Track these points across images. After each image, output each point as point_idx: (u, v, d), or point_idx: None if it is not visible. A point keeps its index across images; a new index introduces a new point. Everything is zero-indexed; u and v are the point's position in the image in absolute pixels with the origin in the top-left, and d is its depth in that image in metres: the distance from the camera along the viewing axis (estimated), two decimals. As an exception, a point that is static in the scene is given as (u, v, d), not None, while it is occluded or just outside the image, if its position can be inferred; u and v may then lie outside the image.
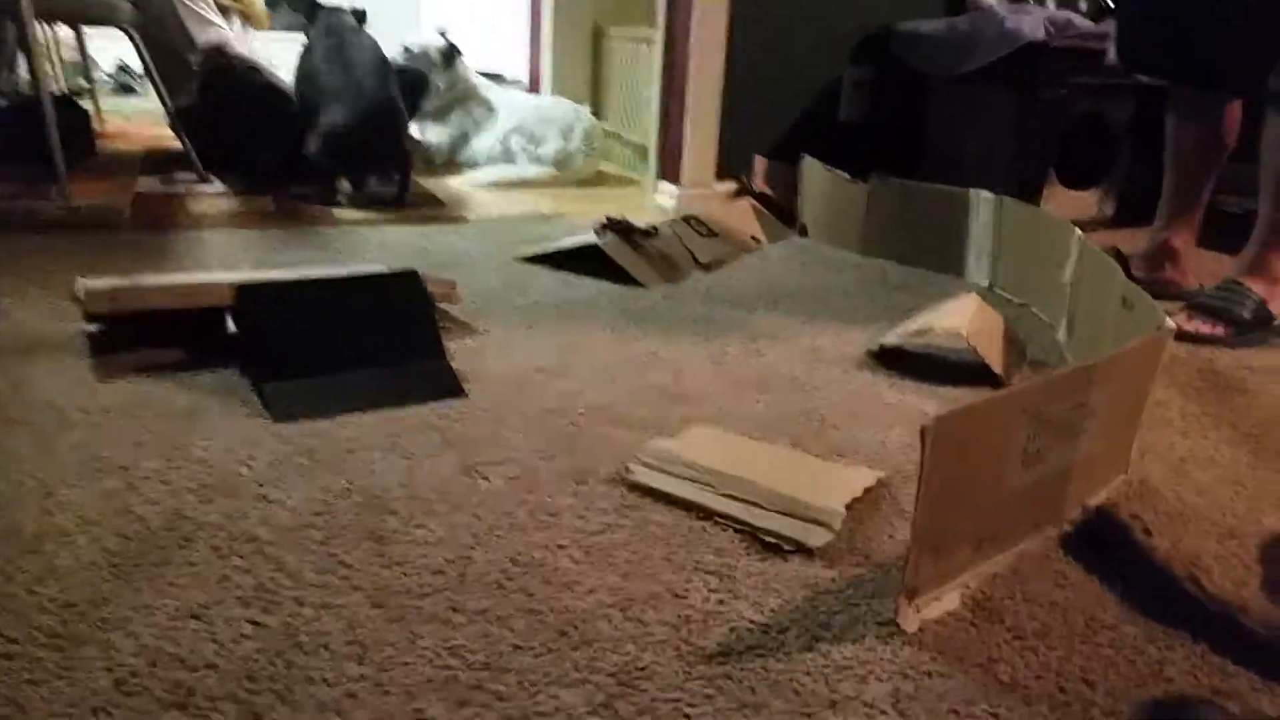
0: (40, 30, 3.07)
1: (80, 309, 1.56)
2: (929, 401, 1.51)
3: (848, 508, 1.12)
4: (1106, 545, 1.06)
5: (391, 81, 2.78)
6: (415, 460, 1.24)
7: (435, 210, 2.79)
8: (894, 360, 1.67)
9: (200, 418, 1.33)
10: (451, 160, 3.52)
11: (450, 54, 3.46)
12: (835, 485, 1.17)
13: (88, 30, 4.08)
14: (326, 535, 1.06)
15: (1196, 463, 1.34)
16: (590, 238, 2.18)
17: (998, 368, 1.57)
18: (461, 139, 3.50)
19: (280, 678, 0.83)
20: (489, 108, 3.47)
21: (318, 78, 2.78)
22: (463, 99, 3.49)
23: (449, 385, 1.48)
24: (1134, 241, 2.27)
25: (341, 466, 1.21)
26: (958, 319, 1.62)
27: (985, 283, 2.21)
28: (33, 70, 2.65)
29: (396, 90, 2.77)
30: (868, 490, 1.18)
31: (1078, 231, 1.80)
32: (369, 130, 2.68)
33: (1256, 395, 1.61)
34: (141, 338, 1.57)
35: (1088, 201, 2.81)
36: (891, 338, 1.69)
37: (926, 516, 0.93)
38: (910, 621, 0.94)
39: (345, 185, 2.85)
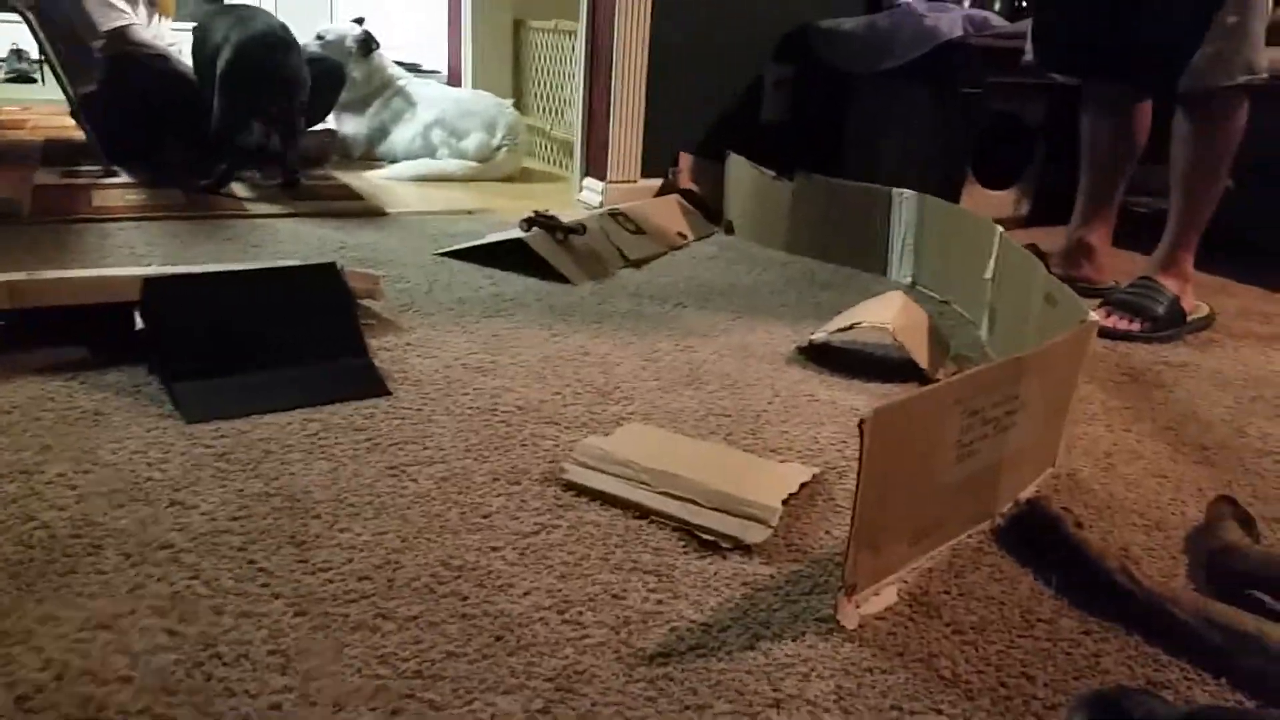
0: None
1: (-27, 305, 1.47)
2: (858, 397, 1.51)
3: (784, 504, 1.11)
4: (1039, 538, 1.07)
5: (290, 34, 2.69)
6: (338, 462, 1.20)
7: (353, 204, 2.71)
8: (823, 356, 1.67)
9: (108, 419, 1.26)
10: (369, 153, 3.43)
11: (367, 43, 3.38)
12: (771, 482, 1.16)
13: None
14: (245, 541, 1.01)
15: (1121, 456, 1.36)
16: (515, 233, 2.15)
17: (924, 363, 1.58)
18: (379, 132, 3.43)
19: (199, 690, 0.79)
20: (408, 100, 3.40)
21: (211, 36, 2.69)
22: (380, 90, 3.41)
23: (372, 384, 1.43)
24: (1050, 240, 2.32)
25: (259, 469, 1.16)
26: (884, 315, 1.64)
27: (908, 280, 2.24)
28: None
29: (292, 35, 2.70)
30: (803, 486, 1.18)
31: (999, 229, 1.83)
32: (261, 52, 2.59)
33: (1172, 389, 1.65)
34: (42, 336, 1.48)
35: (1004, 201, 2.87)
36: (820, 334, 1.69)
37: (866, 511, 0.92)
38: (850, 618, 0.94)
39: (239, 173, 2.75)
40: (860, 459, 0.89)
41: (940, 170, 2.68)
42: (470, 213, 2.72)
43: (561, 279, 2.06)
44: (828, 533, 1.10)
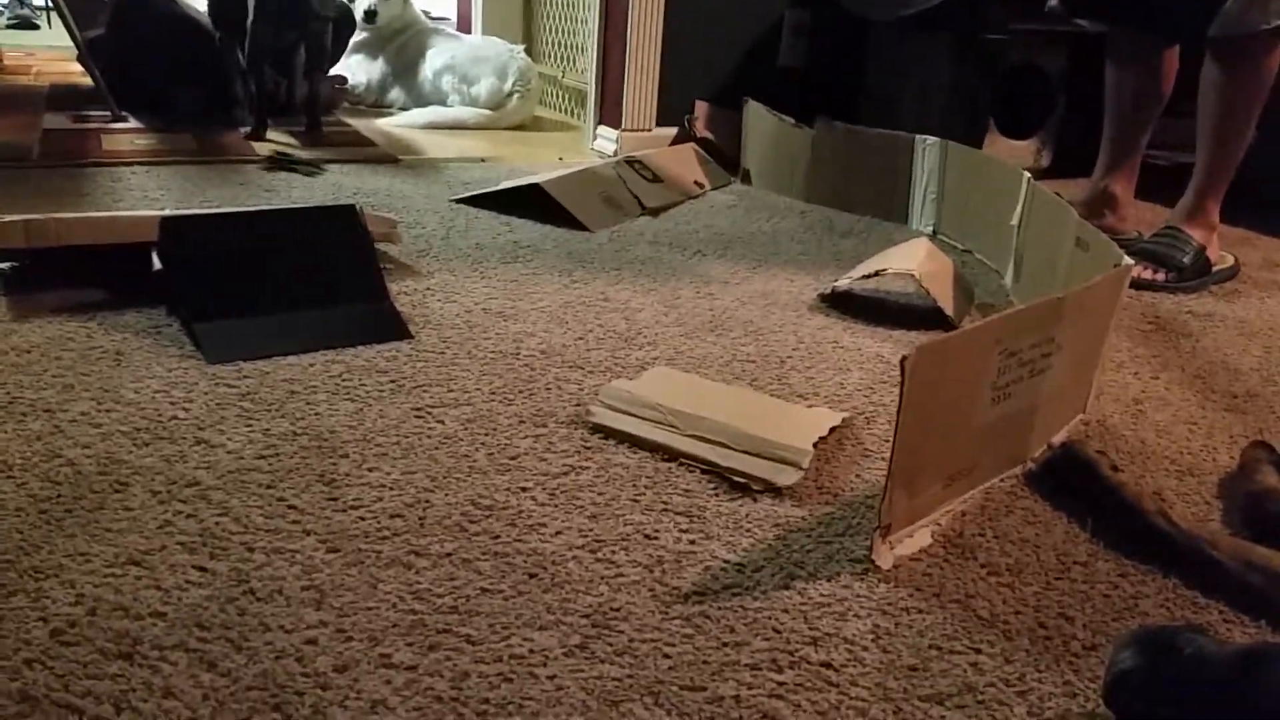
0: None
1: (-10, 245, 1.45)
2: (883, 344, 1.50)
3: (814, 447, 1.10)
4: (1075, 481, 1.06)
5: None
6: (363, 403, 1.18)
7: (366, 150, 2.68)
8: (845, 304, 1.65)
9: (128, 359, 1.25)
10: (380, 100, 3.39)
11: None
12: (800, 425, 1.15)
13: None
14: (273, 479, 1.00)
15: (1151, 403, 1.35)
16: (532, 179, 2.12)
17: (949, 310, 1.56)
18: (390, 78, 3.38)
19: (233, 625, 0.78)
20: (422, 46, 3.34)
21: None
22: (397, 34, 3.34)
23: (394, 327, 1.41)
24: (1071, 191, 2.29)
25: (284, 409, 1.15)
26: (909, 262, 1.61)
27: (930, 228, 2.21)
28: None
29: None
30: (832, 430, 1.17)
31: (1026, 175, 1.80)
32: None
33: (1199, 339, 1.63)
34: (59, 276, 1.47)
35: (1025, 151, 2.83)
36: (843, 281, 1.67)
37: (903, 451, 0.91)
38: (885, 558, 0.93)
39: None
40: (900, 398, 0.87)
41: (961, 119, 2.64)
42: (484, 160, 2.69)
43: (578, 225, 2.04)
44: (858, 476, 1.09)
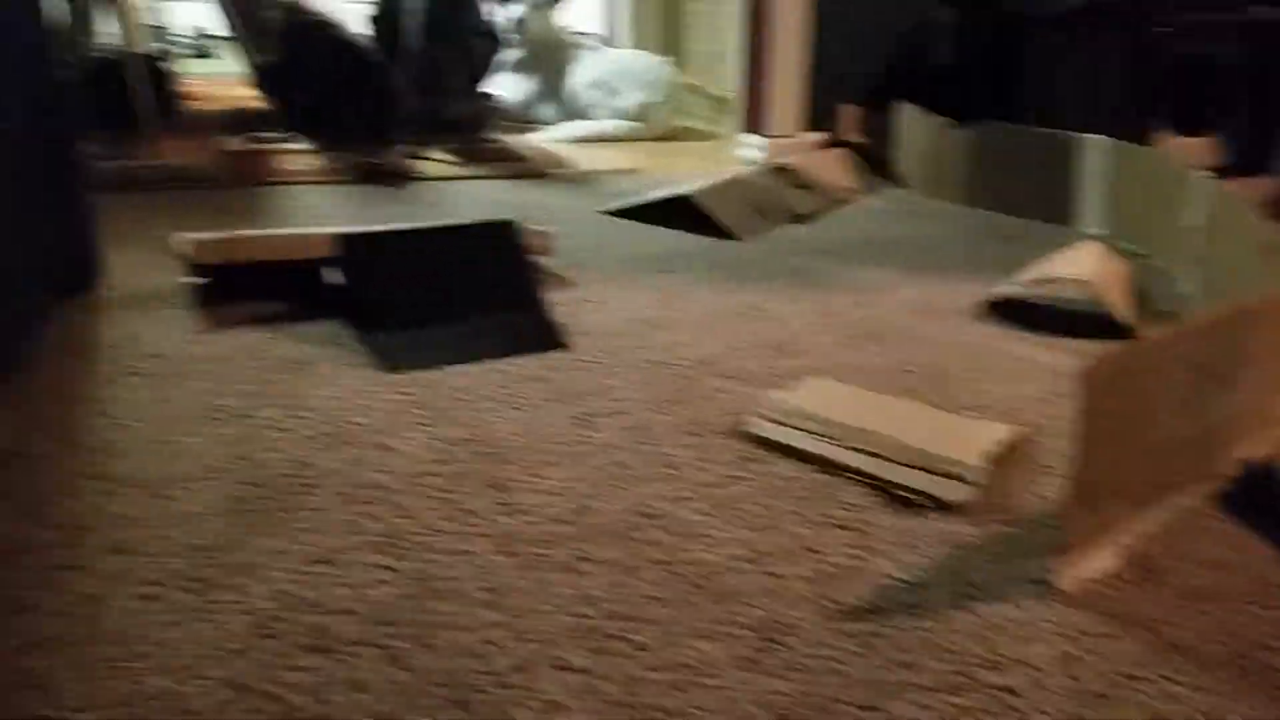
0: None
1: (183, 262, 1.56)
2: (1055, 354, 1.44)
3: (986, 463, 1.07)
4: (1271, 501, 0.99)
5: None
6: (527, 411, 1.22)
7: (517, 165, 2.75)
8: (1012, 312, 1.59)
9: (311, 368, 1.32)
10: (528, 116, 3.48)
11: None
12: (971, 439, 1.11)
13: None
14: (448, 483, 1.04)
15: (1354, 418, 1.25)
16: (680, 189, 2.13)
17: (1126, 319, 1.49)
18: (539, 95, 3.46)
19: (417, 622, 0.81)
20: (570, 62, 3.41)
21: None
22: (547, 51, 3.41)
23: (553, 337, 1.45)
24: (1253, 191, 2.15)
25: (455, 416, 1.19)
26: (1080, 267, 1.55)
27: (1099, 232, 2.11)
28: (122, 34, 2.68)
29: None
30: (1005, 445, 1.13)
31: (1209, 176, 1.69)
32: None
33: None
34: (245, 290, 1.57)
35: (1202, 148, 2.67)
36: (1009, 288, 1.61)
37: (1084, 469, 0.88)
38: (1067, 581, 0.89)
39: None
40: (1078, 414, 0.84)
41: (1130, 115, 2.51)
42: (631, 171, 2.72)
43: (728, 235, 2.04)
44: (1034, 493, 1.05)
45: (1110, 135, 2.09)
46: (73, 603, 0.82)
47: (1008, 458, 1.11)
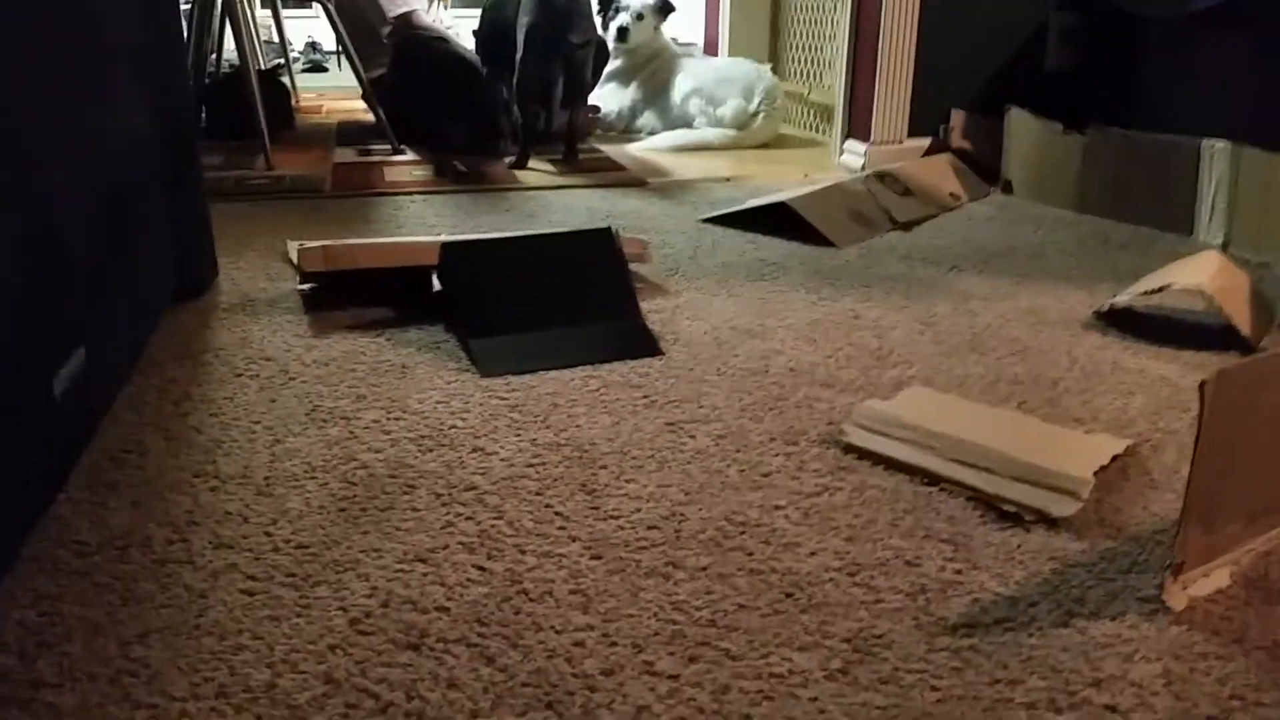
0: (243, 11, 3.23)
1: (294, 269, 1.62)
2: (1170, 366, 1.37)
3: (1094, 477, 1.03)
4: None
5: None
6: (619, 416, 1.22)
7: (616, 174, 2.77)
8: (1125, 322, 1.53)
9: (412, 372, 1.35)
10: (629, 126, 3.50)
11: (666, 8, 3.39)
12: (1077, 452, 1.07)
13: (283, 11, 4.28)
14: (541, 486, 1.05)
15: None
16: (777, 197, 2.12)
17: (1246, 330, 1.41)
18: (640, 104, 3.48)
19: (509, 623, 0.82)
20: (672, 71, 3.41)
21: (504, 12, 2.81)
22: (648, 61, 3.43)
23: (647, 344, 1.45)
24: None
25: (548, 420, 1.21)
26: (1198, 277, 1.47)
27: (1219, 241, 2.01)
28: (239, 50, 2.80)
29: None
30: (1115, 459, 1.08)
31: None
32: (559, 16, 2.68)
33: None
34: (351, 296, 1.62)
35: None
36: (1123, 297, 1.55)
37: (1201, 484, 0.83)
38: (1177, 599, 0.85)
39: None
40: (1199, 425, 0.80)
41: (1257, 120, 2.38)
42: (728, 179, 2.72)
43: (826, 242, 2.02)
44: (1144, 509, 1.01)
45: (1233, 139, 1.99)
46: (179, 595, 0.86)
47: (1115, 471, 1.06)
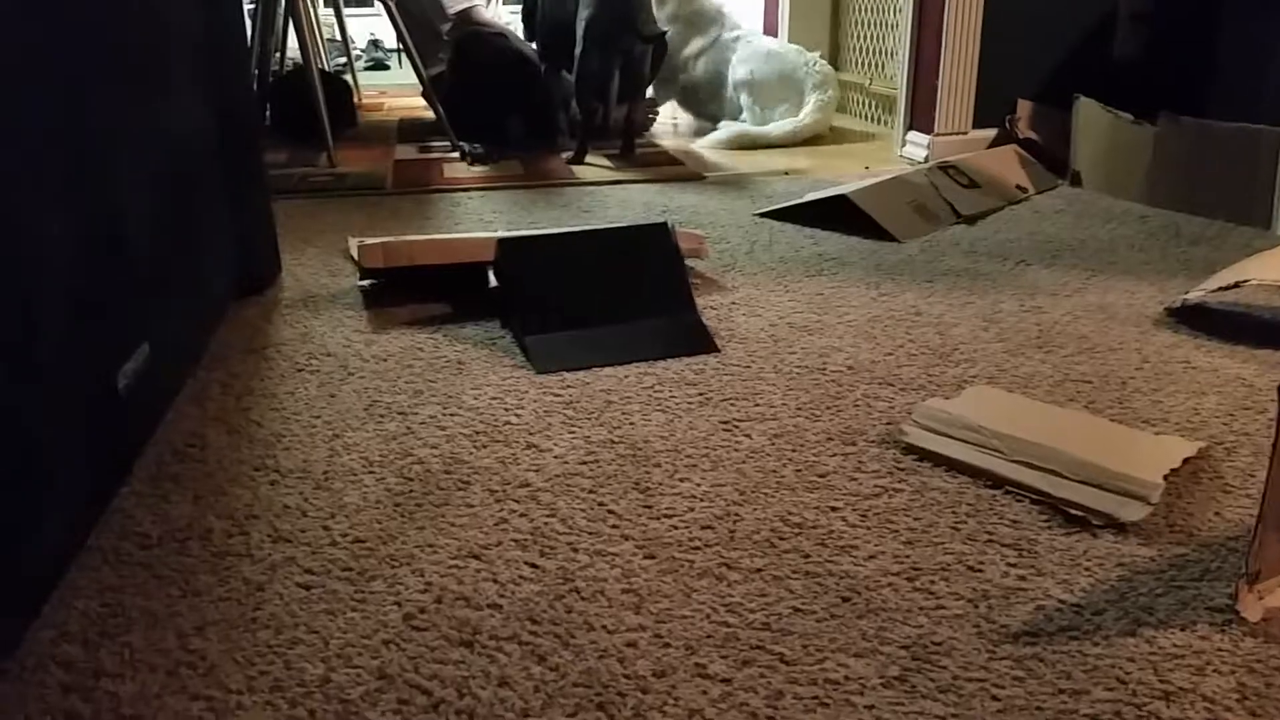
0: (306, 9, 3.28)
1: (355, 265, 1.64)
2: (1245, 365, 1.32)
3: (1164, 480, 0.99)
4: None
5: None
6: (674, 414, 1.21)
7: (674, 169, 2.76)
8: (1198, 319, 1.48)
9: (469, 368, 1.36)
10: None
11: None
12: (1148, 455, 1.04)
13: (345, 10, 4.34)
14: (594, 484, 1.04)
15: None
16: (838, 190, 2.09)
17: (1329, 328, 1.36)
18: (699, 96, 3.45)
19: (561, 621, 0.82)
20: (726, 56, 3.36)
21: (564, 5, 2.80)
22: (706, 49, 3.39)
23: (702, 341, 1.44)
24: None
25: (602, 418, 1.20)
26: (1275, 272, 1.42)
27: (1299, 234, 1.94)
28: (302, 48, 2.84)
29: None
30: (1185, 462, 1.04)
31: None
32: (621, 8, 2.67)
33: None
34: (410, 292, 1.63)
35: None
36: (1196, 294, 1.50)
37: (1278, 488, 0.80)
38: (1253, 610, 0.82)
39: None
40: (1276, 427, 0.76)
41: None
42: (785, 173, 2.69)
43: (887, 236, 1.98)
44: (1217, 514, 0.97)
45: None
46: (237, 588, 0.87)
47: (1187, 475, 1.03)
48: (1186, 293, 1.52)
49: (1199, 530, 0.94)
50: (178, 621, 0.83)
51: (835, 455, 1.11)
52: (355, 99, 3.80)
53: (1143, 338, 1.44)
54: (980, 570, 0.89)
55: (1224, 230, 2.02)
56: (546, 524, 0.97)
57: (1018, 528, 0.95)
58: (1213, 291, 1.47)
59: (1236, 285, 1.43)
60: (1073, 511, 0.96)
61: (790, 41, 3.71)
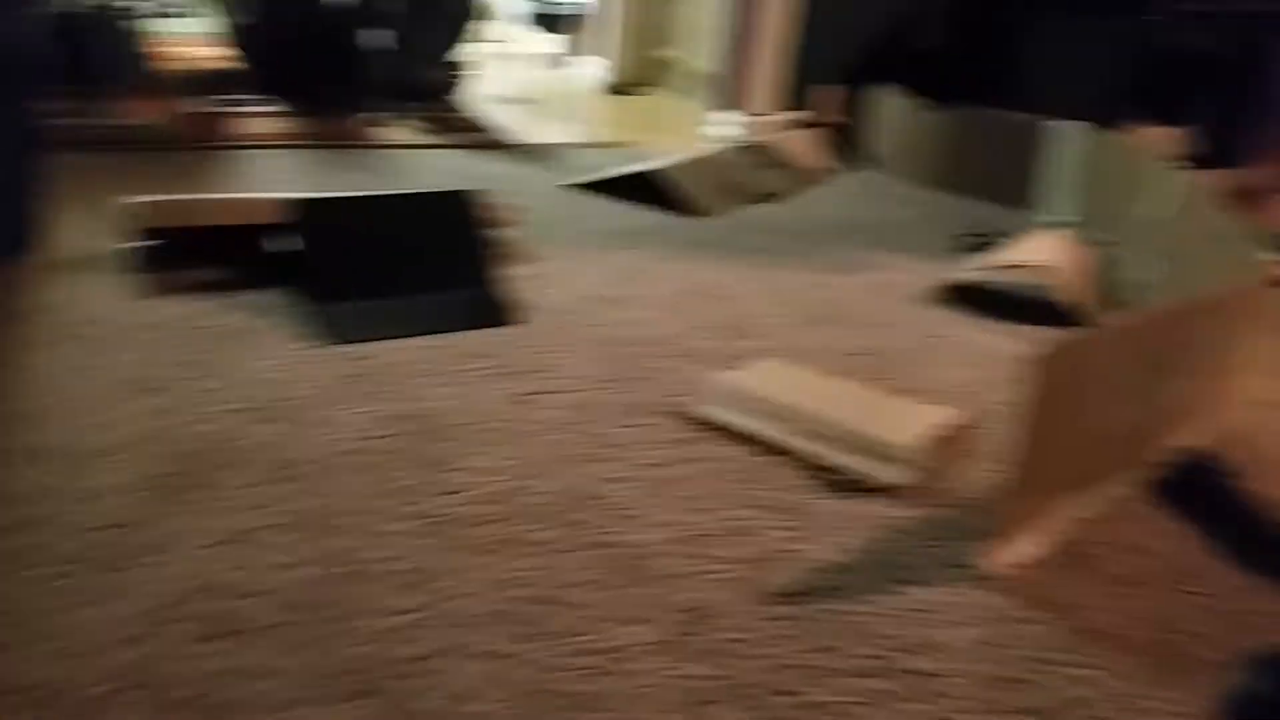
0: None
1: (128, 226, 1.52)
2: (1011, 340, 1.43)
3: (925, 446, 1.06)
4: (1199, 491, 0.98)
5: None
6: (470, 387, 1.19)
7: (483, 136, 2.71)
8: (972, 297, 1.58)
9: (250, 338, 1.29)
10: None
11: None
12: (913, 423, 1.10)
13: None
14: (380, 460, 1.01)
15: (1300, 409, 1.25)
16: (648, 163, 2.10)
17: (1085, 307, 1.48)
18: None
19: (333, 605, 0.79)
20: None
21: None
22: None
23: (504, 312, 1.42)
24: (1222, 183, 2.14)
25: (396, 391, 1.17)
26: (1041, 255, 1.54)
27: (1068, 219, 2.10)
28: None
29: None
30: (948, 429, 1.11)
31: (1175, 165, 1.68)
32: None
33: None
34: (186, 256, 1.52)
35: (1176, 139, 2.66)
36: (970, 273, 1.60)
37: (1022, 456, 0.86)
38: (997, 565, 0.88)
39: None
40: (1023, 399, 0.83)
41: (1106, 104, 2.49)
42: (601, 146, 2.69)
43: (694, 212, 2.02)
44: (976, 478, 1.04)
45: (1084, 122, 2.07)
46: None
47: (946, 441, 1.10)
48: (963, 272, 1.62)
49: (960, 494, 1.01)
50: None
51: (628, 427, 1.12)
52: (142, 45, 3.53)
53: (919, 314, 1.53)
54: (756, 535, 0.92)
55: (1001, 214, 2.16)
56: (324, 504, 0.93)
57: (793, 493, 1.00)
58: (984, 272, 1.58)
59: (1007, 266, 1.54)
60: (842, 476, 1.01)
61: (605, 16, 3.69)
